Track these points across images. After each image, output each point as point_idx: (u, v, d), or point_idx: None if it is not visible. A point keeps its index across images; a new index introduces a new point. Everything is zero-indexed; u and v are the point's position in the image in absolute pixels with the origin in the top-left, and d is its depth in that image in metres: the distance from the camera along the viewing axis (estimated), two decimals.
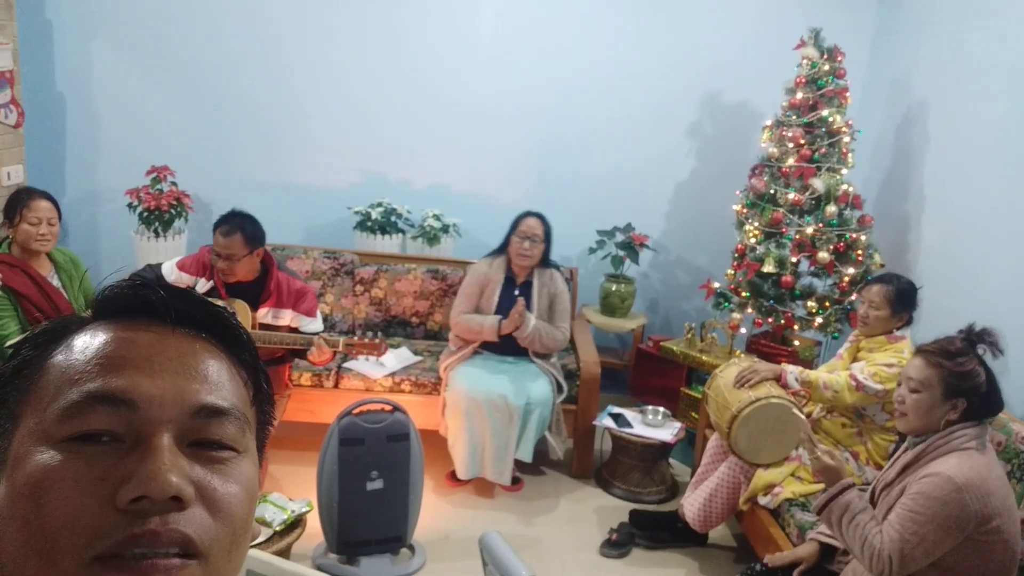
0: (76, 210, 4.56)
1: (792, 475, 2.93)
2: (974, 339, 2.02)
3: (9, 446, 0.56)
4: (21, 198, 2.99)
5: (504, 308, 3.55)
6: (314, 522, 2.89)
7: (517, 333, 3.50)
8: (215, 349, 0.61)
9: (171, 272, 3.19)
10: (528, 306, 3.55)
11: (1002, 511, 1.84)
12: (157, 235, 4.23)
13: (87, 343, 0.58)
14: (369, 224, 4.43)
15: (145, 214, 4.21)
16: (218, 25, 4.44)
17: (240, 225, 3.01)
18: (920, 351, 2.05)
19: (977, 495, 1.82)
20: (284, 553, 2.63)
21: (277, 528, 2.61)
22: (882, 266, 3.76)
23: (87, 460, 0.52)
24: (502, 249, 3.66)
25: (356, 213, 4.48)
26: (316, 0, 4.42)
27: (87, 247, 4.52)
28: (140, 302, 0.60)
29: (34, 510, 0.51)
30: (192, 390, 0.57)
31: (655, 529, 3.25)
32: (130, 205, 4.24)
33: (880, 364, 2.85)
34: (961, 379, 1.94)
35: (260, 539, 2.55)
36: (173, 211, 4.25)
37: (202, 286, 3.15)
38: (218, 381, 0.59)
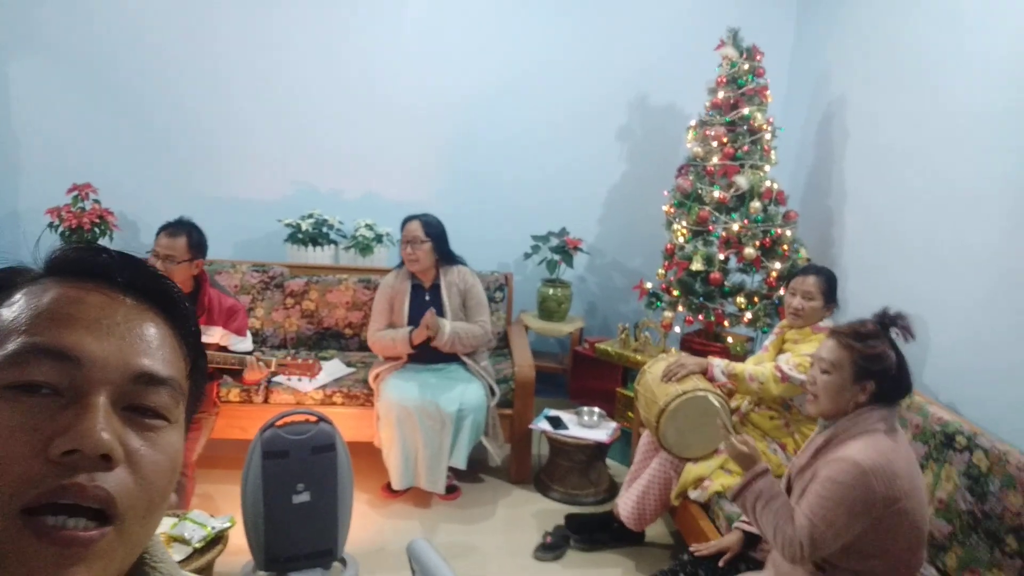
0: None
1: (721, 468, 2.93)
2: (887, 323, 2.03)
3: None
4: None
5: (417, 316, 3.49)
6: (241, 540, 2.82)
7: (435, 342, 3.45)
8: (160, 320, 0.63)
9: None
10: (440, 309, 3.52)
11: (909, 492, 1.85)
12: None
13: (37, 296, 0.59)
14: (300, 236, 4.36)
15: (67, 233, 4.10)
16: (140, 33, 4.34)
17: (187, 230, 3.01)
18: (833, 333, 2.06)
19: (883, 477, 1.82)
20: (206, 571, 2.55)
21: (197, 545, 2.52)
22: (808, 260, 3.80)
23: (24, 409, 0.53)
24: (402, 261, 3.62)
25: (287, 226, 4.42)
26: (237, 7, 4.37)
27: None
28: (93, 265, 0.62)
29: None
30: (135, 355, 0.59)
31: (591, 531, 3.24)
32: (51, 225, 4.13)
33: (805, 355, 2.85)
34: (871, 361, 1.94)
35: (179, 557, 2.47)
36: (97, 230, 4.14)
37: None
38: (160, 350, 0.61)
